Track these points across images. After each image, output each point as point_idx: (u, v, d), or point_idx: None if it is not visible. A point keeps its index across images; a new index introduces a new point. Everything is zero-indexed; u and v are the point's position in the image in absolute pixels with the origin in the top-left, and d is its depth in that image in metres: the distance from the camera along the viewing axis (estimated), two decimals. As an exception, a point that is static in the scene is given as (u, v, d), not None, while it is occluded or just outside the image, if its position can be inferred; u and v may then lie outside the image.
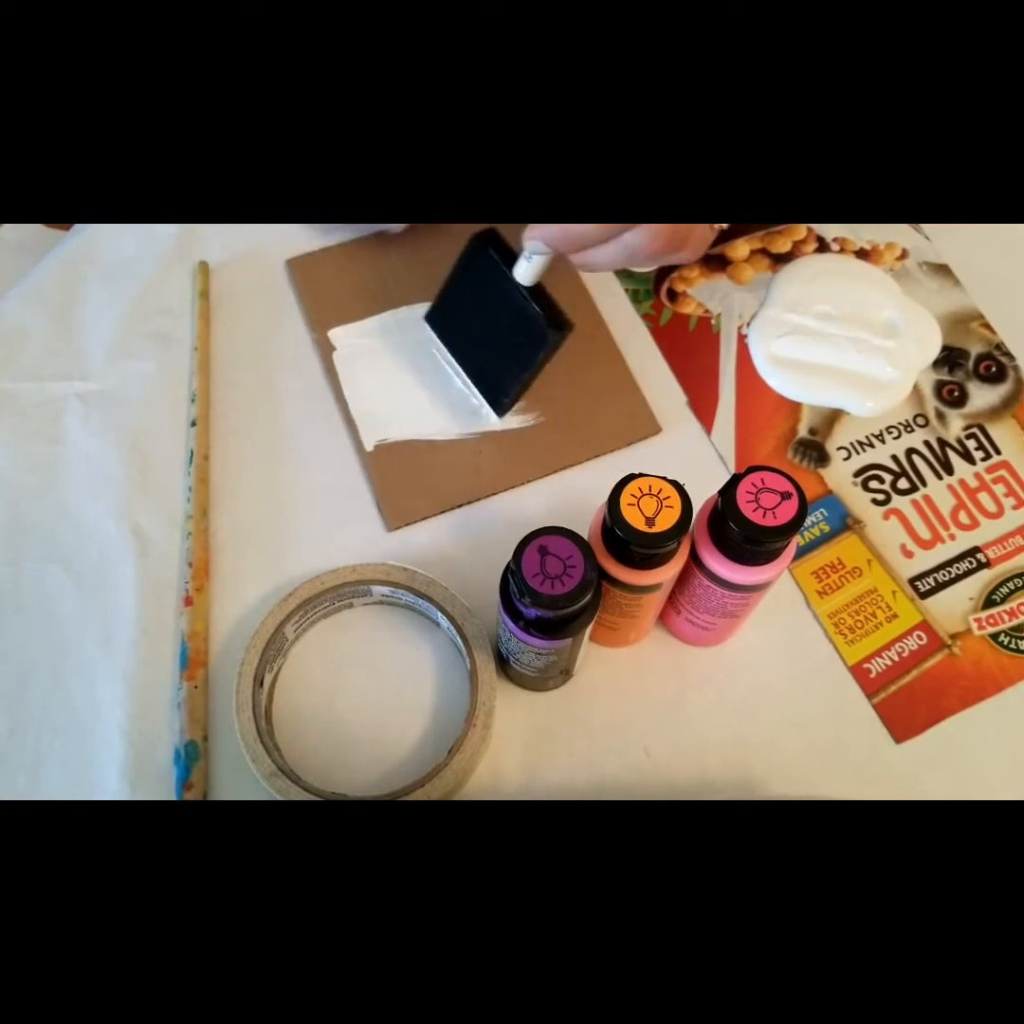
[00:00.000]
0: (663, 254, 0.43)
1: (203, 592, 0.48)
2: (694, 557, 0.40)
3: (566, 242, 0.43)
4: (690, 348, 0.55)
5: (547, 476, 0.51)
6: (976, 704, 0.47)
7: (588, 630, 0.41)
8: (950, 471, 0.52)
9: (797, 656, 0.48)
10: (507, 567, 0.39)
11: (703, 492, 0.40)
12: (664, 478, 0.38)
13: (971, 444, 0.53)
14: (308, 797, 0.42)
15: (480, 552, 0.48)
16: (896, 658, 0.48)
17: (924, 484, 0.52)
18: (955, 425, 0.54)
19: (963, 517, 0.51)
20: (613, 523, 0.37)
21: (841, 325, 0.55)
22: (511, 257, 0.47)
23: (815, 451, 0.53)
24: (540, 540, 0.37)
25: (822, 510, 0.51)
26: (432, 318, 0.53)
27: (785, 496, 0.37)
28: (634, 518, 0.37)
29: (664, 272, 0.57)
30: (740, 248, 0.58)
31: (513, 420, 0.52)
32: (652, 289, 0.57)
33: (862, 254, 0.58)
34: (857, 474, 0.52)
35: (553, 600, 0.36)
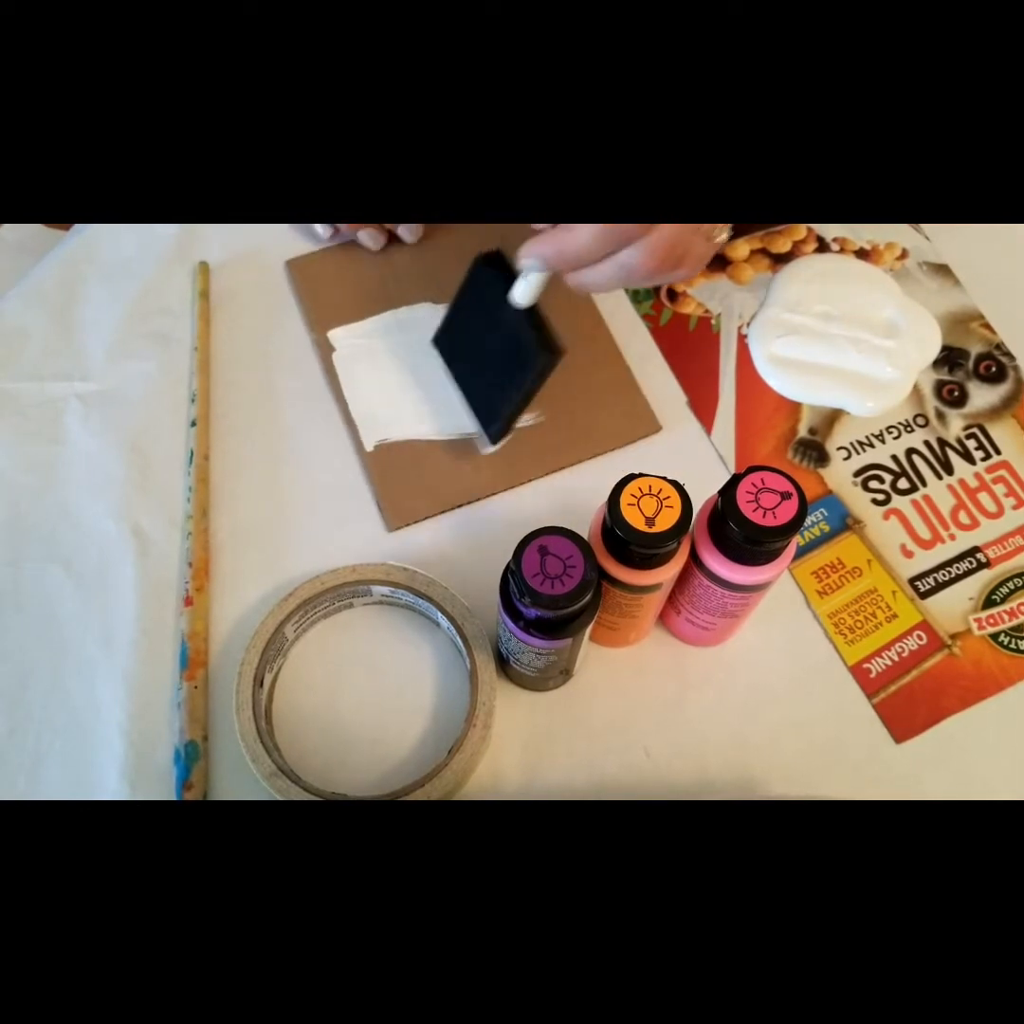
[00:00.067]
0: (660, 273, 0.42)
1: (203, 592, 0.48)
2: (694, 557, 0.40)
3: (561, 260, 0.42)
4: (690, 348, 0.55)
5: (547, 476, 0.51)
6: (976, 704, 0.47)
7: (588, 630, 0.41)
8: (950, 471, 0.52)
9: (797, 656, 0.48)
10: (507, 567, 0.39)
11: (703, 492, 0.40)
12: (664, 478, 0.38)
13: (971, 444, 0.53)
14: (308, 797, 0.42)
15: (480, 552, 0.48)
16: (896, 658, 0.48)
17: (924, 484, 0.52)
18: (955, 425, 0.54)
19: (963, 517, 0.51)
20: (613, 523, 0.37)
21: (841, 325, 0.55)
22: (513, 278, 0.45)
23: (815, 451, 0.53)
24: (540, 540, 0.37)
25: (822, 510, 0.51)
26: (439, 342, 0.53)
27: (785, 496, 0.37)
28: (634, 518, 0.37)
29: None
30: (740, 248, 0.58)
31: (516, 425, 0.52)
32: (652, 289, 0.57)
33: (862, 254, 0.58)
34: (857, 474, 0.52)
35: (553, 600, 0.36)
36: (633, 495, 0.37)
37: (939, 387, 0.55)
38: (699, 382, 0.54)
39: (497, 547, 0.41)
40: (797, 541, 0.41)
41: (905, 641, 0.48)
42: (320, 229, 0.56)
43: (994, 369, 0.55)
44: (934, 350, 0.55)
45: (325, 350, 0.54)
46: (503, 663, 0.45)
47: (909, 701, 0.47)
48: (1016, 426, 0.54)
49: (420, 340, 0.54)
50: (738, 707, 0.47)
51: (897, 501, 0.52)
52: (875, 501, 0.52)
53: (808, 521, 0.51)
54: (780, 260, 0.58)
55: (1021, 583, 0.50)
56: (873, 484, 0.52)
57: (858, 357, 0.54)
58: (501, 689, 0.45)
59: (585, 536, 0.38)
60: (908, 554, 0.50)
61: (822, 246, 0.58)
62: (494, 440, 0.51)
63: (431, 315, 0.54)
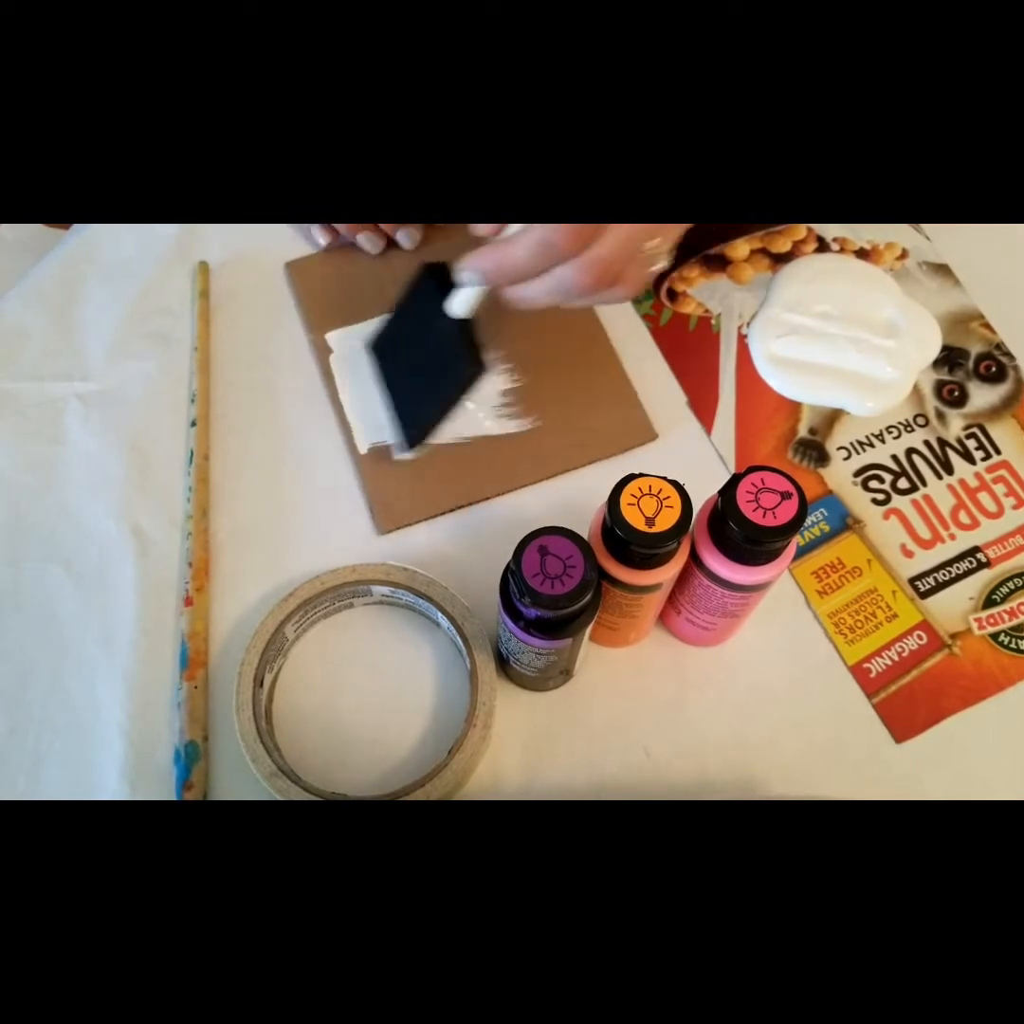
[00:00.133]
0: (594, 291, 0.41)
1: (203, 592, 0.48)
2: (694, 557, 0.40)
3: (499, 274, 0.42)
4: (690, 348, 0.55)
5: (542, 482, 0.51)
6: (976, 704, 0.47)
7: (588, 630, 0.41)
8: (950, 471, 0.52)
9: (797, 656, 0.48)
10: (507, 567, 0.39)
11: (703, 492, 0.40)
12: (664, 478, 0.38)
13: (971, 444, 0.53)
14: (308, 797, 0.42)
15: (480, 552, 0.48)
16: (896, 658, 0.48)
17: (924, 484, 0.52)
18: (955, 425, 0.54)
19: (963, 517, 0.51)
20: (613, 523, 0.37)
21: (841, 325, 0.55)
22: (452, 289, 0.45)
23: (815, 451, 0.53)
24: (540, 540, 0.37)
25: (822, 510, 0.51)
26: (375, 346, 0.53)
27: (785, 496, 0.37)
28: (634, 518, 0.37)
29: (665, 271, 0.57)
30: (740, 248, 0.58)
31: (510, 424, 0.52)
32: (652, 289, 0.57)
33: (862, 254, 0.58)
34: (857, 474, 0.52)
35: (553, 600, 0.36)
36: (633, 495, 0.37)
37: (939, 387, 0.55)
38: (699, 382, 0.54)
39: (497, 547, 0.41)
40: (797, 541, 0.41)
41: (905, 641, 0.48)
42: (319, 237, 0.56)
43: (994, 369, 0.55)
44: (934, 350, 0.55)
45: (323, 351, 0.54)
46: (503, 663, 0.45)
47: (909, 701, 0.47)
48: (1016, 426, 0.54)
49: None
50: (738, 707, 0.47)
51: (897, 501, 0.52)
52: (875, 501, 0.52)
53: (808, 521, 0.51)
54: (780, 260, 0.58)
55: (1021, 583, 0.50)
56: (873, 484, 0.52)
57: (858, 357, 0.54)
58: (501, 689, 0.45)
59: (585, 536, 0.38)
60: (908, 554, 0.50)
61: (822, 246, 0.58)
62: (409, 445, 0.50)
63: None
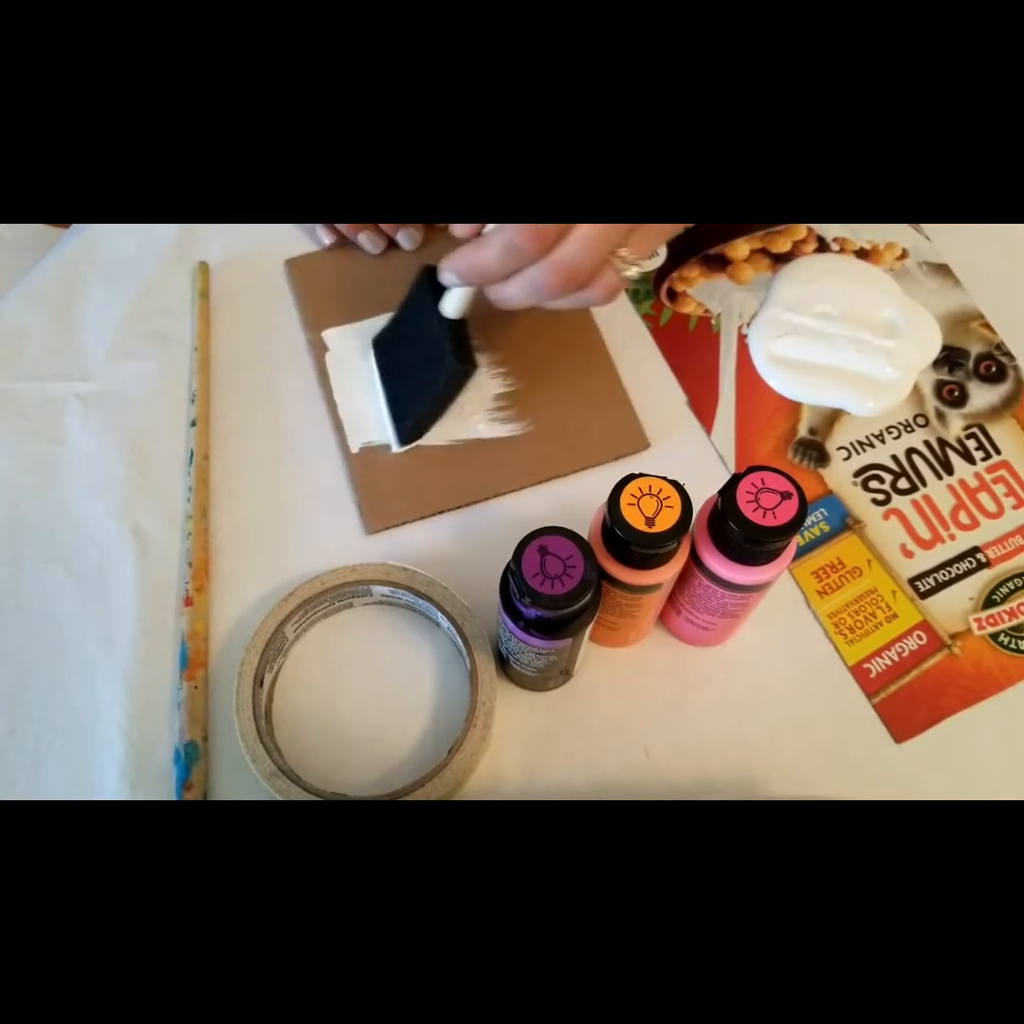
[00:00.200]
0: (564, 292, 0.42)
1: (203, 592, 0.48)
2: (694, 557, 0.40)
3: (473, 275, 0.44)
4: (690, 348, 0.55)
5: (534, 486, 0.51)
6: (976, 704, 0.47)
7: (588, 630, 0.41)
8: (950, 471, 0.52)
9: (797, 656, 0.48)
10: (507, 567, 0.39)
11: (703, 492, 0.40)
12: (664, 478, 0.38)
13: (971, 444, 0.53)
14: (308, 797, 0.42)
15: (480, 552, 0.48)
16: (896, 658, 0.48)
17: (924, 484, 0.52)
18: (955, 425, 0.54)
19: (963, 517, 0.51)
20: (613, 523, 0.37)
21: (841, 325, 0.55)
22: (445, 290, 0.47)
23: (815, 451, 0.53)
24: (540, 540, 0.37)
25: (822, 510, 0.51)
26: (377, 344, 0.53)
27: (785, 496, 0.37)
28: (634, 518, 0.37)
29: (664, 271, 0.57)
30: (740, 248, 0.58)
31: (503, 428, 0.52)
32: (652, 289, 0.57)
33: (862, 254, 0.58)
34: (857, 474, 0.52)
35: (553, 600, 0.36)
36: (633, 495, 0.37)
37: (939, 387, 0.55)
38: (699, 382, 0.54)
39: (497, 547, 0.41)
40: (797, 541, 0.41)
41: (905, 641, 0.48)
42: (323, 237, 0.56)
43: (994, 369, 0.55)
44: (934, 350, 0.55)
45: (319, 349, 0.54)
46: (503, 663, 0.45)
47: (909, 701, 0.47)
48: (1016, 426, 0.54)
49: None
50: (738, 707, 0.47)
51: (897, 501, 0.52)
52: (875, 501, 0.52)
53: (808, 521, 0.51)
54: (780, 260, 0.58)
55: (1021, 583, 0.50)
56: (873, 484, 0.52)
57: (858, 357, 0.54)
58: (501, 689, 0.45)
59: (585, 536, 0.38)
60: (908, 554, 0.50)
61: (822, 246, 0.58)
62: (402, 440, 0.51)
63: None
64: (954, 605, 0.49)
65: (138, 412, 0.52)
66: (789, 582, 0.49)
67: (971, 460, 0.53)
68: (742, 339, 0.55)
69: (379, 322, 0.54)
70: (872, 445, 0.53)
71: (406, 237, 0.56)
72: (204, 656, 0.46)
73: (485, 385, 0.53)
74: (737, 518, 0.37)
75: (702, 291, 0.57)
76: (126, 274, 0.56)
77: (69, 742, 0.45)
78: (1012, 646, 0.48)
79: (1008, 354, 0.56)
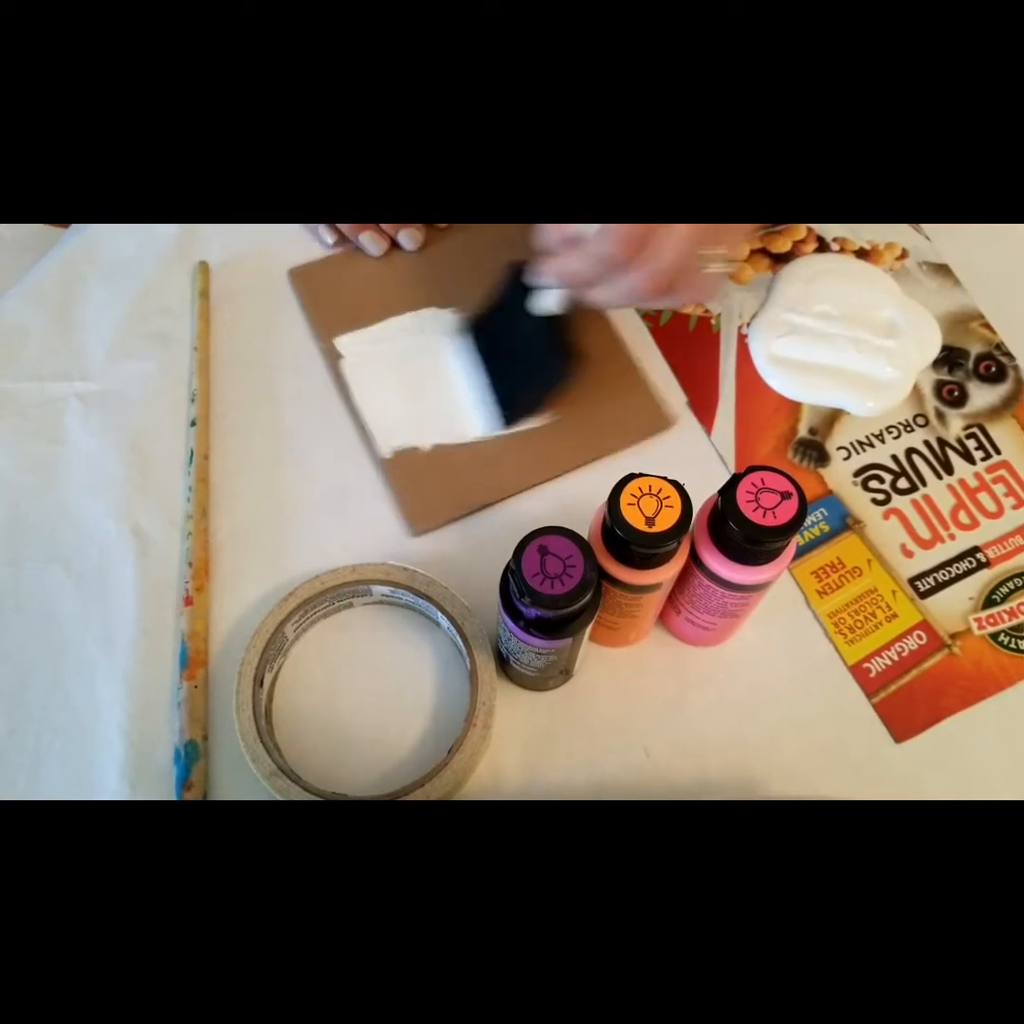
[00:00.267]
0: (656, 298, 0.44)
1: (203, 592, 0.48)
2: (694, 557, 0.40)
3: (567, 278, 0.46)
4: (690, 348, 0.55)
5: (564, 475, 0.52)
6: (976, 704, 0.47)
7: (588, 630, 0.41)
8: (950, 471, 0.52)
9: (797, 656, 0.48)
10: (507, 567, 0.39)
11: (703, 492, 0.40)
12: (664, 478, 0.38)
13: (971, 444, 0.53)
14: (308, 797, 0.42)
15: (480, 552, 0.48)
16: (896, 658, 0.48)
17: (924, 484, 0.52)
18: (955, 425, 0.54)
19: (963, 517, 0.51)
20: (613, 523, 0.37)
21: (841, 325, 0.55)
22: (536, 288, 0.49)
23: (815, 451, 0.53)
24: (540, 540, 0.37)
25: (822, 510, 0.51)
26: (469, 326, 0.53)
27: (785, 496, 0.37)
28: (634, 518, 0.37)
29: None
30: (740, 248, 0.58)
31: (529, 421, 0.52)
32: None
33: (862, 254, 0.58)
34: (857, 474, 0.52)
35: (553, 600, 0.36)
36: (633, 495, 0.37)
37: (939, 387, 0.55)
38: (699, 382, 0.54)
39: (497, 547, 0.41)
40: (797, 541, 0.41)
41: (905, 641, 0.48)
42: (326, 236, 0.56)
43: (994, 369, 0.55)
44: (934, 350, 0.55)
45: (332, 357, 0.54)
46: (503, 663, 0.45)
47: (909, 701, 0.47)
48: (1016, 426, 0.54)
49: (428, 344, 0.54)
50: (738, 707, 0.47)
51: (897, 501, 0.52)
52: (875, 501, 0.52)
53: (808, 521, 0.51)
54: (780, 260, 0.58)
55: (1021, 583, 0.50)
56: (873, 484, 0.52)
57: (858, 357, 0.54)
58: (501, 689, 0.45)
59: (585, 536, 0.38)
60: (908, 554, 0.50)
61: (822, 246, 0.58)
62: (507, 422, 0.52)
63: (437, 319, 0.54)
64: (954, 605, 0.49)
65: (138, 412, 0.52)
66: (789, 582, 0.49)
67: (971, 460, 0.53)
68: (742, 339, 0.55)
69: (392, 325, 0.54)
70: (872, 445, 0.53)
71: (407, 237, 0.56)
72: (204, 656, 0.46)
73: None
74: (737, 518, 0.37)
75: (702, 291, 0.57)
76: (126, 274, 0.56)
77: (69, 742, 0.45)
78: (1012, 646, 0.48)
79: (1008, 354, 0.56)
